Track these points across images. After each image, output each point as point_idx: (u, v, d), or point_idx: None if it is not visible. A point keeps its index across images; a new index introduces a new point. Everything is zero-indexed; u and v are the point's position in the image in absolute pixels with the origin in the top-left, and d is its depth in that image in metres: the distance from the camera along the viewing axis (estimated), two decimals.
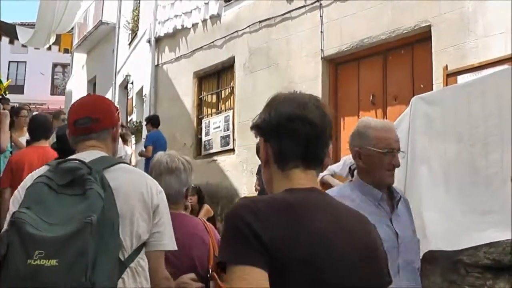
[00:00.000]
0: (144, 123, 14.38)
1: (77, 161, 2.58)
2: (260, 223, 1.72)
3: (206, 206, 9.42)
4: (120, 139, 3.55)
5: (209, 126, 14.15)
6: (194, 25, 14.99)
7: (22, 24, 23.52)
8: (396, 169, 5.60)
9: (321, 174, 6.56)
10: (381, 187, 3.21)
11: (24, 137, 9.15)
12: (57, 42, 22.56)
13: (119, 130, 3.10)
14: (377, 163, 3.15)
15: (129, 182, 2.70)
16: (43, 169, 2.69)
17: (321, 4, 10.92)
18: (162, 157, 3.58)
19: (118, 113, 3.02)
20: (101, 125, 2.86)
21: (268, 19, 12.23)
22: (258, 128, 2.06)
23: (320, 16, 10.91)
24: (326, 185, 6.49)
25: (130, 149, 12.85)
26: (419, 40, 9.45)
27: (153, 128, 12.79)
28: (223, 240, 1.77)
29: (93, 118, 2.83)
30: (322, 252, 1.75)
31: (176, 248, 2.79)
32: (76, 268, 2.26)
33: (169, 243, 2.77)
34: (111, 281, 2.42)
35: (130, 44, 20.58)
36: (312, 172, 1.97)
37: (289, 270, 1.70)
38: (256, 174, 9.40)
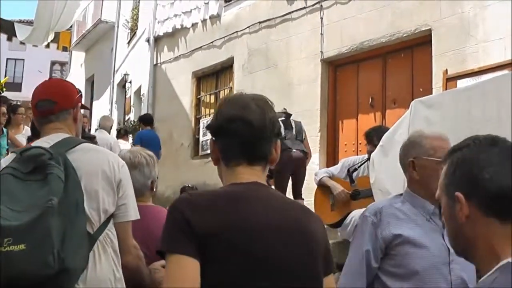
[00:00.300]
0: None
1: (39, 148, 2.72)
2: (195, 215, 1.87)
3: None
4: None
5: None
6: (194, 25, 14.97)
7: (20, 22, 23.47)
8: (395, 173, 5.60)
9: (319, 176, 6.56)
10: (434, 200, 2.86)
11: (21, 135, 9.12)
12: (56, 39, 22.52)
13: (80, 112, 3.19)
14: (433, 174, 2.78)
15: (91, 160, 2.83)
16: (10, 157, 2.84)
17: (321, 6, 10.91)
18: (125, 154, 3.71)
19: (80, 95, 3.14)
20: (60, 106, 2.96)
21: (268, 20, 12.23)
22: (208, 128, 2.23)
23: (321, 18, 10.90)
24: (324, 186, 6.47)
25: (129, 145, 12.76)
26: (419, 44, 9.45)
27: (145, 126, 12.67)
28: (163, 230, 1.93)
29: (53, 101, 2.95)
30: (255, 240, 1.90)
31: (139, 217, 2.94)
32: (43, 249, 2.42)
33: (134, 213, 2.92)
34: (80, 255, 2.60)
35: (129, 43, 20.56)
36: (257, 168, 2.11)
37: (221, 258, 1.85)
38: None
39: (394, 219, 2.91)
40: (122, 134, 13.29)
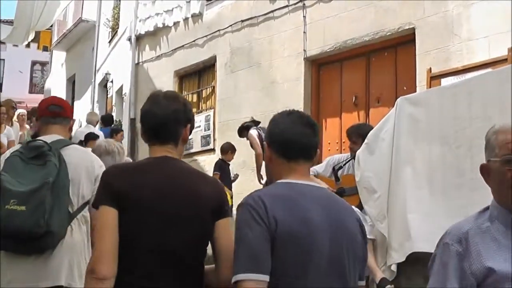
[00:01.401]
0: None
1: (41, 141, 3.74)
2: (114, 179, 2.70)
3: None
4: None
5: None
6: (176, 24, 14.90)
7: (0, 21, 23.28)
8: (381, 171, 5.58)
9: None
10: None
11: (2, 134, 9.03)
12: (36, 39, 22.38)
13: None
14: (502, 179, 2.32)
15: (78, 157, 3.86)
16: (17, 147, 3.90)
17: (304, 4, 10.88)
18: (101, 142, 5.10)
19: (72, 113, 4.27)
20: (66, 113, 4.07)
21: (251, 18, 12.18)
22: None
23: (303, 16, 10.87)
24: None
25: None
26: (403, 43, 9.45)
27: (105, 127, 13.67)
28: (96, 191, 2.90)
29: (62, 106, 4.07)
30: (156, 195, 2.66)
31: None
32: (37, 213, 3.45)
33: None
34: (62, 224, 3.61)
35: (110, 42, 20.43)
36: (168, 146, 2.87)
37: (132, 208, 2.63)
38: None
39: (484, 247, 2.27)
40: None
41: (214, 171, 10.14)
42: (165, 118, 2.84)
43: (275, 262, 2.36)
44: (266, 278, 2.31)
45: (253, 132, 9.41)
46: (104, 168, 3.66)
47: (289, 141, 2.63)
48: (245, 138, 9.66)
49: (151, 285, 2.60)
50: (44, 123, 4.00)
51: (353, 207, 5.57)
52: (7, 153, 3.82)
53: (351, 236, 2.56)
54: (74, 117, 4.28)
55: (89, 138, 10.08)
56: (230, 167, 10.71)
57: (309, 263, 2.39)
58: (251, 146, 9.42)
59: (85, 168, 3.82)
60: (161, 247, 2.64)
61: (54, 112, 3.97)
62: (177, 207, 2.68)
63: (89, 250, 3.76)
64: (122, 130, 14.02)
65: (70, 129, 4.17)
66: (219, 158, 10.78)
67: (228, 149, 10.60)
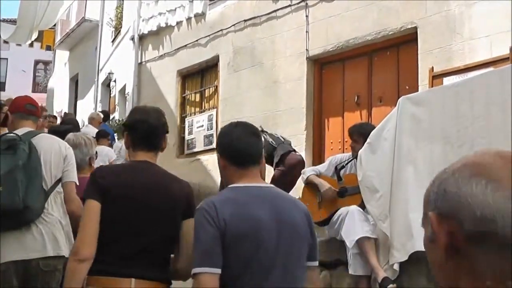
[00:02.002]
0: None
1: (13, 133, 4.30)
2: (101, 177, 3.26)
3: None
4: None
5: (192, 125, 14.07)
6: (178, 23, 14.91)
7: (4, 20, 23.30)
8: (383, 170, 5.60)
9: (306, 174, 6.54)
10: None
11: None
12: (39, 38, 22.40)
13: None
14: None
15: (46, 143, 4.40)
16: None
17: (307, 4, 10.89)
18: (70, 136, 5.39)
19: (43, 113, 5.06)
20: (38, 113, 4.75)
21: (253, 18, 12.19)
22: (123, 125, 3.66)
23: (306, 16, 10.88)
24: (311, 184, 6.45)
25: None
26: (405, 42, 9.45)
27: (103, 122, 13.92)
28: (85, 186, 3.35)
29: (36, 107, 4.73)
30: (136, 194, 3.22)
31: (77, 181, 4.48)
32: (12, 192, 3.99)
33: (74, 177, 4.46)
34: (38, 200, 4.14)
35: (113, 41, 20.45)
36: (151, 153, 3.45)
37: (114, 202, 3.18)
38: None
39: None
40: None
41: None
42: (156, 128, 3.44)
43: (226, 257, 2.77)
44: (218, 271, 2.74)
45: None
46: (71, 149, 4.58)
47: (238, 150, 3.04)
48: None
49: (125, 270, 3.13)
50: (18, 117, 4.55)
51: (355, 206, 5.62)
52: None
53: (296, 227, 2.96)
54: (78, 117, 5.10)
55: (100, 136, 10.74)
56: None
57: (254, 256, 2.81)
58: None
59: (53, 151, 4.38)
60: (137, 237, 3.21)
61: (30, 110, 4.60)
62: (154, 204, 3.25)
63: (65, 216, 4.38)
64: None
65: (39, 126, 4.92)
66: None
67: None
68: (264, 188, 3.10)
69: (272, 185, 3.34)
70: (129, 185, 3.26)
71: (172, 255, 3.39)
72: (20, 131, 4.34)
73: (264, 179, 3.46)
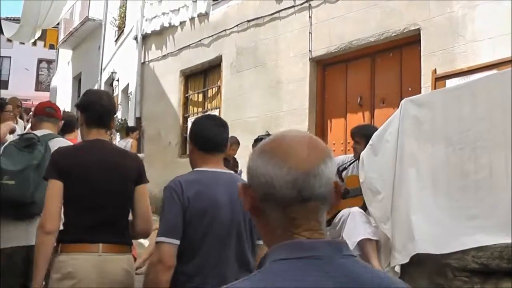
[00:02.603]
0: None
1: (33, 134, 4.82)
2: (59, 158, 3.70)
3: None
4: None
5: None
6: (182, 23, 14.93)
7: (7, 19, 23.33)
8: (385, 172, 5.60)
9: None
10: None
11: None
12: (43, 37, 22.40)
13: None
14: None
15: (60, 145, 4.37)
16: (13, 137, 5.11)
17: (310, 5, 10.89)
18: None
19: (62, 116, 5.39)
20: (57, 115, 5.23)
21: (257, 18, 12.20)
22: (76, 106, 4.05)
23: (309, 17, 10.88)
24: None
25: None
26: (408, 43, 9.45)
27: None
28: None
29: (55, 110, 5.24)
30: (93, 168, 3.67)
31: None
32: (24, 186, 4.50)
33: None
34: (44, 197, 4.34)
35: (116, 41, 20.48)
36: (102, 130, 3.89)
37: (74, 179, 3.61)
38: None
39: None
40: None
41: None
42: (108, 110, 3.93)
43: (187, 229, 3.28)
44: (177, 242, 3.25)
45: None
46: None
47: (205, 138, 3.53)
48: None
49: (93, 237, 3.61)
50: (39, 120, 5.12)
51: (357, 207, 5.62)
52: (7, 143, 5.05)
53: None
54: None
55: (130, 130, 12.04)
56: (239, 168, 10.20)
57: (210, 230, 3.32)
58: None
59: None
60: (97, 210, 3.65)
61: (49, 113, 5.14)
62: (108, 176, 3.70)
63: None
64: (138, 129, 14.13)
65: (58, 127, 5.28)
66: None
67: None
68: (224, 173, 3.55)
69: (232, 172, 3.88)
70: (85, 164, 3.70)
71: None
72: (39, 132, 4.89)
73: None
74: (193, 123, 3.70)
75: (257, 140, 9.57)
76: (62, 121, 5.39)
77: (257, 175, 1.56)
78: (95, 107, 3.86)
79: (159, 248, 3.25)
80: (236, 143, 10.15)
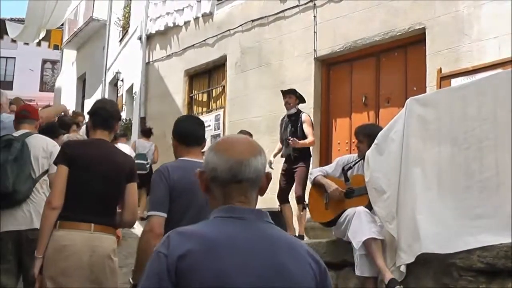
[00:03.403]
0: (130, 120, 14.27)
1: (10, 135, 5.45)
2: (68, 149, 4.43)
3: None
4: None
5: None
6: (186, 23, 14.93)
7: (11, 20, 23.35)
8: (390, 172, 5.58)
9: (314, 175, 6.53)
10: None
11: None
12: (47, 38, 22.40)
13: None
14: None
15: (37, 142, 5.49)
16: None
17: (314, 4, 10.89)
18: (64, 137, 6.95)
19: (39, 115, 6.04)
20: (32, 116, 5.79)
21: (261, 18, 12.19)
22: (88, 113, 4.81)
23: (314, 16, 10.88)
24: (318, 185, 6.44)
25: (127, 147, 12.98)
26: (413, 43, 9.44)
27: None
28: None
29: (29, 112, 5.84)
30: (90, 162, 4.34)
31: None
32: (4, 179, 5.10)
33: None
34: (27, 186, 5.24)
35: (120, 41, 20.49)
36: (106, 132, 4.62)
37: (78, 167, 4.30)
38: None
39: None
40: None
41: None
42: (112, 113, 4.68)
43: (172, 206, 4.00)
44: (164, 215, 3.97)
45: None
46: (57, 147, 5.37)
47: (186, 134, 4.35)
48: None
49: (87, 217, 4.29)
50: (17, 122, 5.77)
51: (362, 207, 5.62)
52: None
53: None
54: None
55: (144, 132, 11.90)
56: None
57: (190, 205, 3.99)
58: None
59: (41, 148, 5.46)
60: (94, 194, 4.33)
61: (25, 115, 5.77)
62: (105, 168, 4.39)
63: None
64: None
65: (36, 126, 5.84)
66: None
67: None
68: (201, 163, 3.65)
69: None
70: (87, 156, 4.40)
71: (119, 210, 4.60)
72: (18, 132, 5.58)
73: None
74: (175, 123, 4.45)
75: None
76: (39, 121, 6.06)
77: (208, 164, 2.19)
78: (100, 112, 4.62)
79: (150, 220, 3.97)
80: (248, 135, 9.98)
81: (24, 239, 5.17)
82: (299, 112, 9.08)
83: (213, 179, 2.18)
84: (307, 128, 8.93)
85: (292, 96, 9.14)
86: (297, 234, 8.66)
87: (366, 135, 6.24)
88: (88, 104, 23.52)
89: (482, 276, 4.80)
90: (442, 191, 5.25)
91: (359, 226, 5.61)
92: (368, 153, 5.83)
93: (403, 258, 5.28)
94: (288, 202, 8.86)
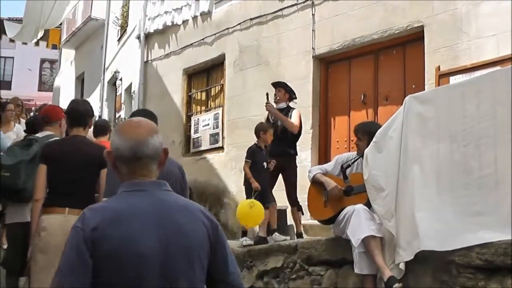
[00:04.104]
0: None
1: (32, 136, 6.15)
2: (48, 148, 5.29)
3: None
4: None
5: (198, 124, 14.07)
6: (184, 22, 14.91)
7: (10, 19, 23.35)
8: (389, 169, 5.59)
9: (313, 173, 6.54)
10: None
11: (11, 132, 9.08)
12: (45, 37, 22.41)
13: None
14: None
15: None
16: (19, 139, 6.75)
17: (313, 2, 10.89)
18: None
19: (64, 114, 6.07)
20: (53, 119, 6.24)
21: (259, 16, 12.18)
22: (64, 113, 5.79)
23: (312, 14, 10.87)
24: (317, 183, 6.45)
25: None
26: (411, 40, 9.44)
27: None
28: None
29: (50, 116, 6.30)
30: (68, 155, 5.15)
31: None
32: (17, 177, 5.79)
33: None
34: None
35: (119, 40, 20.46)
36: (80, 128, 5.39)
37: (54, 162, 5.12)
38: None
39: None
40: None
41: (245, 158, 8.40)
42: (83, 112, 5.46)
43: None
44: None
45: None
46: None
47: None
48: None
49: (60, 203, 5.03)
50: (40, 126, 6.44)
51: (361, 204, 5.61)
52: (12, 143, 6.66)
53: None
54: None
55: (106, 130, 10.69)
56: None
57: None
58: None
59: None
60: (68, 183, 5.06)
61: (45, 120, 6.29)
62: (78, 159, 5.12)
63: None
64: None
65: (60, 125, 6.27)
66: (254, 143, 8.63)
67: (260, 130, 8.50)
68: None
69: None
70: (63, 152, 5.19)
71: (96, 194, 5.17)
72: (41, 134, 6.16)
73: None
74: (130, 116, 4.95)
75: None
76: (63, 120, 6.29)
77: (113, 145, 2.56)
78: (73, 113, 5.45)
79: None
80: (266, 128, 8.73)
81: (28, 229, 5.55)
82: (289, 108, 8.84)
83: (118, 157, 2.56)
84: (294, 118, 8.62)
85: (281, 89, 8.95)
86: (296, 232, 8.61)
87: (366, 133, 6.26)
88: None
89: (481, 273, 4.81)
90: (441, 188, 5.26)
91: (358, 223, 5.62)
92: (366, 151, 5.84)
93: (402, 256, 5.29)
94: (274, 201, 8.45)
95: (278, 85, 9.08)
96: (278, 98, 8.91)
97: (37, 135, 6.22)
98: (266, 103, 8.68)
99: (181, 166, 5.03)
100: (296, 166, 8.68)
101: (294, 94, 9.01)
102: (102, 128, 7.52)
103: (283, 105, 8.84)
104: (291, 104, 8.97)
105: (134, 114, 5.12)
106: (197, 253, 2.52)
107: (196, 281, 2.52)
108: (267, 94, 8.76)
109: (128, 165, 2.55)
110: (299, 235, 8.46)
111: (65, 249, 2.44)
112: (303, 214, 8.59)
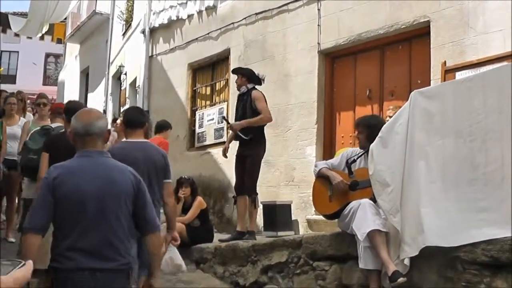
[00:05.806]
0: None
1: (49, 126, 7.62)
2: (48, 141, 6.63)
3: (199, 198, 9.32)
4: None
5: (202, 118, 14.06)
6: (190, 16, 14.88)
7: (15, 14, 23.36)
8: (394, 165, 5.57)
9: (318, 167, 6.53)
10: None
11: (15, 126, 9.08)
12: (50, 31, 22.43)
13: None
14: None
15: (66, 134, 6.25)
16: (38, 128, 7.82)
17: None
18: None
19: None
20: (62, 112, 7.10)
21: (265, 11, 12.14)
22: (63, 111, 6.92)
23: (318, 9, 10.82)
24: (323, 177, 6.43)
25: None
26: (417, 36, 9.39)
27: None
28: None
29: (62, 109, 7.15)
30: (60, 147, 5.79)
31: None
32: (34, 157, 6.94)
33: None
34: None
35: (124, 34, 20.45)
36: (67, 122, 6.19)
37: (51, 150, 6.28)
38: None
39: None
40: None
41: None
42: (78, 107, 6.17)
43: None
44: None
45: None
46: None
47: (130, 120, 5.86)
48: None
49: None
50: (53, 116, 7.80)
51: (367, 199, 5.59)
52: (32, 131, 7.77)
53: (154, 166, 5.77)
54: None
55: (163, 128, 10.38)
56: None
57: (139, 172, 4.63)
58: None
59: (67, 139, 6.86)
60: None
61: (59, 112, 7.42)
62: (69, 146, 4.81)
63: None
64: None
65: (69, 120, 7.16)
66: None
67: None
68: (141, 142, 5.75)
69: (146, 140, 5.98)
70: (58, 143, 6.12)
71: None
72: (54, 125, 7.53)
73: None
74: (125, 111, 5.88)
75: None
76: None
77: (72, 125, 3.86)
78: (70, 113, 5.67)
79: None
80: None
81: None
82: (250, 90, 8.80)
83: (75, 134, 3.85)
84: (259, 104, 8.61)
85: (239, 75, 8.98)
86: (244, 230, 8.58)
87: (366, 126, 6.29)
88: (92, 97, 23.57)
89: (486, 270, 4.79)
90: (447, 184, 5.24)
91: (364, 217, 5.61)
92: (372, 146, 5.82)
93: (407, 251, 5.27)
94: (244, 194, 8.52)
95: (235, 72, 9.27)
96: (238, 84, 8.99)
97: (51, 125, 7.59)
98: (229, 126, 8.94)
99: (165, 154, 5.83)
100: (260, 151, 8.70)
101: (258, 78, 9.02)
102: (162, 126, 9.72)
103: (244, 89, 8.87)
104: (256, 86, 8.97)
105: (127, 111, 6.25)
106: (124, 198, 3.78)
107: (122, 217, 3.76)
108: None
109: (82, 140, 3.83)
110: (251, 234, 8.42)
111: (38, 192, 3.86)
112: (255, 207, 8.56)
